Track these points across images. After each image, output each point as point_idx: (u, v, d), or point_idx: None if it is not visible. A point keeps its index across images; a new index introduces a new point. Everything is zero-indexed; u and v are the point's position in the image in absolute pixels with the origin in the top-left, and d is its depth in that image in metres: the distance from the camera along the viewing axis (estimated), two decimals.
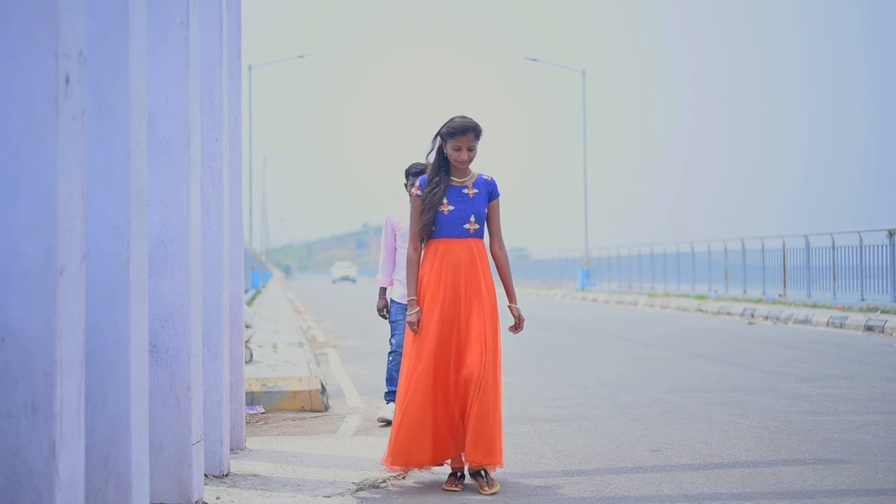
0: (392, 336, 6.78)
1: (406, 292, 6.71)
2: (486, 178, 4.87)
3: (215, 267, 4.80)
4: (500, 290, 5.05)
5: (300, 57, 33.88)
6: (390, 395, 6.81)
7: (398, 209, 6.85)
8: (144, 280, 3.51)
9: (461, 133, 4.72)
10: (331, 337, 15.23)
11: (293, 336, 12.71)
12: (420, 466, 4.74)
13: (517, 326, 4.89)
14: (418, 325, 4.73)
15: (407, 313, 4.80)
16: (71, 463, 2.85)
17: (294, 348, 10.65)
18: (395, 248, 6.81)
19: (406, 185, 6.85)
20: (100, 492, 3.39)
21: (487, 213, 4.87)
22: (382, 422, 6.73)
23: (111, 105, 3.42)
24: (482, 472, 4.67)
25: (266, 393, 7.37)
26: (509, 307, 4.92)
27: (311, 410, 7.35)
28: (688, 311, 21.59)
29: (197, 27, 4.16)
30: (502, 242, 4.96)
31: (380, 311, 6.90)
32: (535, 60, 36.52)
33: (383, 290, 6.89)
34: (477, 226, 4.80)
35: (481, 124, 4.78)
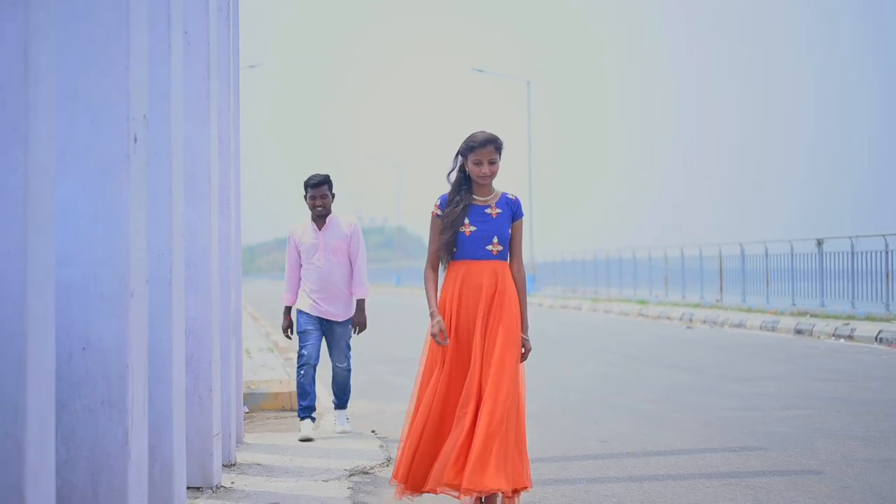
0: (302, 347, 6.61)
1: (313, 302, 6.54)
2: (511, 197, 4.61)
3: (225, 285, 5.49)
4: None
5: (252, 67, 34.34)
6: (304, 412, 6.62)
7: (300, 226, 6.78)
8: (182, 299, 4.20)
9: (481, 146, 4.47)
10: (291, 343, 15.82)
11: (261, 342, 13.37)
12: (433, 491, 4.35)
13: (522, 358, 4.51)
14: (441, 337, 4.42)
15: (430, 324, 4.46)
16: (139, 448, 3.55)
17: (266, 353, 11.33)
18: (300, 265, 6.74)
19: (305, 197, 6.72)
20: (148, 475, 4.07)
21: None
22: (305, 440, 6.44)
23: (156, 153, 4.10)
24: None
25: (250, 394, 8.03)
26: None
27: (291, 410, 8.02)
28: (630, 315, 22.53)
29: (216, 80, 4.86)
30: (521, 265, 4.61)
31: (284, 331, 6.81)
32: (481, 71, 37.49)
33: (287, 310, 6.78)
34: (500, 247, 4.53)
35: (501, 138, 4.55)
